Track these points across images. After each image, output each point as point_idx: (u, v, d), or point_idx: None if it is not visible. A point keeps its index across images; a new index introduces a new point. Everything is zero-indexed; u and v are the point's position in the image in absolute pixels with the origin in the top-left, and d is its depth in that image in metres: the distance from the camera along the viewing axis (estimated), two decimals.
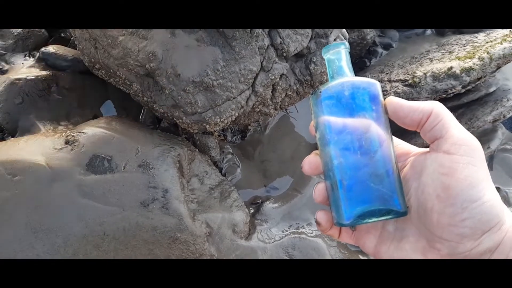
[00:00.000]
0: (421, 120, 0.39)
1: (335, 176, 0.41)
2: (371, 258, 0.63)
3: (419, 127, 0.39)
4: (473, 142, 0.37)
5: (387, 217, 0.39)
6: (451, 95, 1.09)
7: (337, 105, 0.41)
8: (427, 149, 0.41)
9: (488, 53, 1.14)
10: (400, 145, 0.45)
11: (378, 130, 0.40)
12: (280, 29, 0.93)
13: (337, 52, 0.44)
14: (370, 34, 1.35)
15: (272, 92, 0.99)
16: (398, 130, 0.44)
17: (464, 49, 1.26)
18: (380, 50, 1.40)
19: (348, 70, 0.44)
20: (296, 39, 0.95)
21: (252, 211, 1.08)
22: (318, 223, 0.45)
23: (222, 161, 1.11)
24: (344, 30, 1.08)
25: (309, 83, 1.01)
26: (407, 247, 0.40)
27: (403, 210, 0.39)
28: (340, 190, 0.40)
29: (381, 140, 0.40)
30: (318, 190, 0.44)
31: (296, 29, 0.94)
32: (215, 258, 0.83)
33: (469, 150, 0.36)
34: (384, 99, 0.42)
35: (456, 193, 0.35)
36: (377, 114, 0.40)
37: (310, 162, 0.44)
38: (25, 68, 1.10)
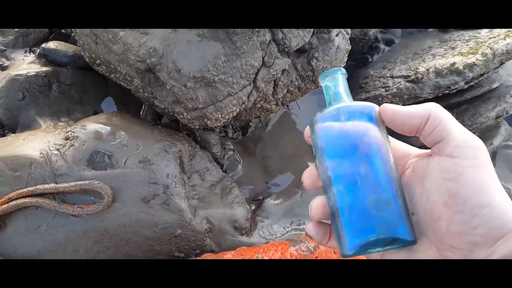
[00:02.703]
0: (420, 125, 0.37)
1: (336, 203, 0.38)
2: None
3: (418, 132, 0.37)
4: (477, 142, 0.35)
5: (393, 246, 0.37)
6: (454, 91, 1.08)
7: (334, 137, 0.39)
8: (428, 151, 0.39)
9: (491, 49, 1.13)
10: (400, 146, 0.43)
11: (380, 153, 0.38)
12: None
13: (334, 79, 0.44)
14: (372, 30, 1.34)
15: (273, 87, 0.98)
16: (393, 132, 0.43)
17: (467, 44, 1.25)
18: (382, 46, 1.40)
19: (346, 96, 0.43)
20: (297, 34, 0.94)
21: (253, 207, 1.07)
22: (310, 237, 0.41)
23: (223, 158, 1.11)
24: None
25: (311, 78, 1.00)
26: (417, 256, 0.38)
27: (412, 238, 0.37)
28: (341, 219, 0.38)
29: (383, 161, 0.38)
30: (316, 207, 0.40)
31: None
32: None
33: (473, 151, 0.34)
34: (379, 104, 0.40)
35: (464, 200, 0.33)
36: (375, 134, 0.39)
37: (310, 176, 0.41)
38: (25, 64, 1.10)
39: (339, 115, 0.39)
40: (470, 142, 0.34)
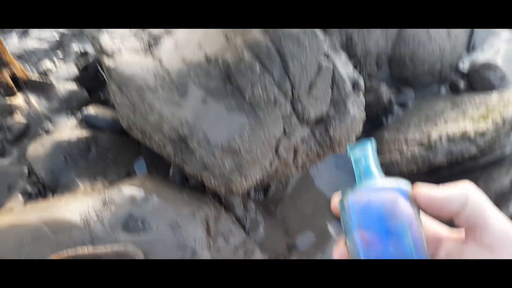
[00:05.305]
0: (457, 211, 0.35)
1: None
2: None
3: (454, 216, 0.36)
4: None
5: None
6: (467, 157, 1.13)
7: (365, 215, 0.39)
8: (462, 237, 0.37)
9: (501, 114, 1.18)
10: (430, 226, 0.40)
11: (412, 235, 0.37)
12: (302, 97, 1.01)
13: (364, 150, 0.43)
14: (386, 93, 1.42)
15: (294, 154, 1.05)
16: None
17: (478, 109, 1.31)
18: (396, 108, 1.47)
19: (376, 170, 0.42)
20: (316, 105, 1.03)
21: None
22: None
23: (245, 218, 1.16)
24: (361, 92, 1.14)
25: (328, 145, 1.07)
26: None
27: None
28: None
29: (416, 242, 0.37)
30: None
31: (316, 97, 1.02)
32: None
33: None
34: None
35: None
36: (408, 214, 0.38)
37: (340, 254, 0.40)
38: (68, 129, 1.21)
39: (371, 194, 0.39)
40: (509, 233, 0.33)
